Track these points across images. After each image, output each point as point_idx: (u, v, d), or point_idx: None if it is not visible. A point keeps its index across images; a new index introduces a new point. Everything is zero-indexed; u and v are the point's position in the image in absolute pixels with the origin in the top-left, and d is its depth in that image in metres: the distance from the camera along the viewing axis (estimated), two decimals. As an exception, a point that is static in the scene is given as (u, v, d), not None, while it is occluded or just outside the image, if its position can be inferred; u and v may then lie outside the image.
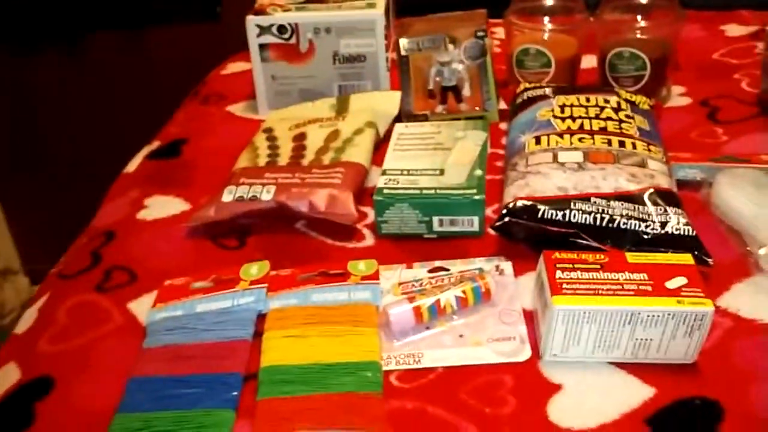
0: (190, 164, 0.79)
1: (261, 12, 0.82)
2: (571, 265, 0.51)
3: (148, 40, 1.58)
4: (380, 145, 0.75)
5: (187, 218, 0.69)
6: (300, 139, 0.74)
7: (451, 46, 0.79)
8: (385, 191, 0.64)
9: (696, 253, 0.55)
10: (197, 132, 0.85)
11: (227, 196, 0.67)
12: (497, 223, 0.61)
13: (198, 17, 1.56)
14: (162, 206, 0.73)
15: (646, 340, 0.50)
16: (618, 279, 0.50)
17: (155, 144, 0.85)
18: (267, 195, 0.66)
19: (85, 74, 1.63)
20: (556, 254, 0.53)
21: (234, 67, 1.02)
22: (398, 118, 0.79)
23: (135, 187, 0.77)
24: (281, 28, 0.81)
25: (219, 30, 1.56)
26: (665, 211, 0.58)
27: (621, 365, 0.51)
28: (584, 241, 0.58)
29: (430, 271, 0.60)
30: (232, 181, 0.69)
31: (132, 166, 0.82)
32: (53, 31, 1.58)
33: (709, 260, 0.56)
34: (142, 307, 0.60)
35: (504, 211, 0.60)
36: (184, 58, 1.57)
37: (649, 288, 0.49)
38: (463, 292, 0.55)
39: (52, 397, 0.52)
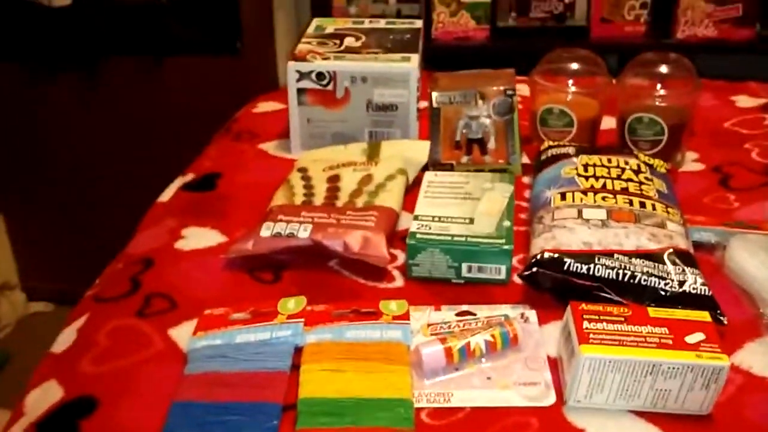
0: (225, 198, 0.83)
1: (300, 58, 0.86)
2: (597, 317, 0.55)
3: (167, 69, 1.63)
4: (409, 191, 0.79)
5: (224, 250, 0.72)
6: (334, 180, 0.78)
7: (480, 102, 0.83)
8: (419, 236, 0.67)
9: (712, 311, 0.58)
10: (231, 167, 0.89)
11: (265, 232, 0.70)
12: (525, 273, 0.64)
13: (217, 50, 1.61)
14: (199, 237, 0.76)
15: (666, 390, 0.53)
16: (641, 332, 0.53)
17: (189, 176, 0.88)
18: (304, 233, 0.69)
19: (101, 98, 1.67)
20: (583, 306, 0.56)
21: (265, 106, 1.06)
22: (425, 167, 0.83)
23: (170, 216, 0.80)
24: (320, 75, 0.85)
25: (237, 64, 1.61)
26: (683, 270, 0.62)
27: (640, 414, 0.54)
28: (606, 295, 0.61)
29: (457, 315, 0.63)
30: (270, 217, 0.72)
31: (166, 195, 0.85)
32: (72, 53, 1.61)
33: (724, 319, 0.59)
34: (182, 333, 0.62)
35: (532, 261, 0.64)
36: (202, 90, 1.62)
37: (670, 342, 0.53)
38: (492, 336, 0.58)
39: (96, 416, 0.55)
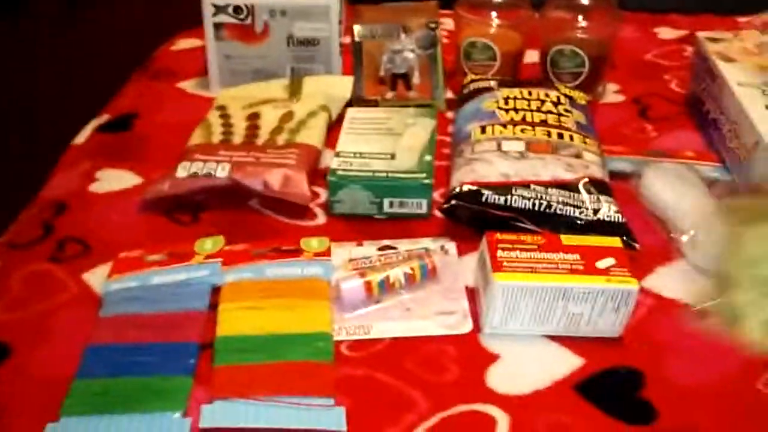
0: (141, 139, 0.80)
1: (217, -9, 0.83)
2: (511, 245, 0.55)
3: (90, 9, 1.56)
4: (332, 127, 0.78)
5: (140, 192, 0.70)
6: (254, 118, 0.76)
7: (403, 35, 0.82)
8: (339, 172, 0.66)
9: (624, 238, 0.60)
10: (148, 107, 0.86)
11: (182, 172, 0.68)
12: (444, 206, 0.64)
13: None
14: (114, 179, 0.73)
15: (578, 314, 0.54)
16: (554, 259, 0.54)
17: (105, 117, 0.85)
18: (222, 172, 0.67)
19: (24, 39, 1.59)
20: (498, 235, 0.57)
21: (184, 43, 1.02)
22: (349, 103, 0.81)
23: (85, 159, 0.77)
24: (237, 9, 0.82)
25: (164, 1, 1.55)
26: (598, 199, 0.63)
27: (554, 338, 0.55)
28: (523, 225, 0.62)
29: (379, 249, 0.63)
30: (186, 156, 0.70)
31: (81, 137, 0.82)
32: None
33: (636, 245, 0.61)
34: (96, 277, 0.61)
35: (451, 195, 0.64)
36: (127, 28, 1.55)
37: (581, 267, 0.54)
38: (411, 269, 0.59)
39: (9, 364, 0.53)
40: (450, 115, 0.82)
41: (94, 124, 0.84)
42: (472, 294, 0.59)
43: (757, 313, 0.55)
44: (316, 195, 0.70)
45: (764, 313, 0.55)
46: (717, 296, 0.56)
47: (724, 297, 0.56)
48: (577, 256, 0.55)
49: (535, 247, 0.56)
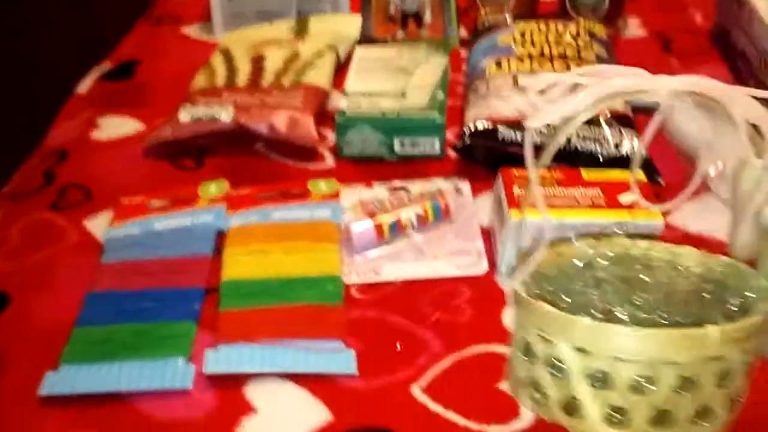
0: (144, 85, 0.78)
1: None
2: (526, 182, 0.52)
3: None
4: (340, 68, 0.74)
5: (142, 138, 0.68)
6: (258, 60, 0.73)
7: (412, -30, 0.78)
8: (347, 113, 0.64)
9: (648, 172, 0.57)
10: (151, 53, 0.83)
11: (185, 116, 0.66)
12: (458, 145, 0.61)
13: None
14: (116, 126, 0.71)
15: (599, 253, 0.51)
16: (573, 194, 0.51)
17: (107, 65, 0.83)
18: (226, 116, 0.65)
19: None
20: (515, 172, 0.54)
21: (188, -11, 0.99)
22: (358, 43, 0.78)
23: (87, 107, 0.75)
24: (238, -53, 0.78)
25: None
26: (620, 133, 0.60)
27: (574, 278, 0.53)
28: (541, 162, 0.59)
29: (390, 191, 0.61)
30: (189, 101, 0.67)
31: (83, 87, 0.80)
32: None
33: (661, 180, 0.58)
34: (98, 225, 0.59)
35: (465, 133, 0.61)
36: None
37: (603, 202, 0.51)
38: (423, 209, 0.56)
39: (8, 312, 0.52)
40: (464, 53, 0.79)
41: (96, 72, 0.82)
42: (487, 234, 0.56)
43: None
44: (324, 137, 0.67)
45: None
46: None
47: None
48: (598, 191, 0.52)
49: (554, 182, 0.53)
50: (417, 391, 0.45)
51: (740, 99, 0.28)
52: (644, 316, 0.29)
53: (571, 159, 0.59)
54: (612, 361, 0.27)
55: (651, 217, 0.50)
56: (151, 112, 0.73)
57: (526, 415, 0.43)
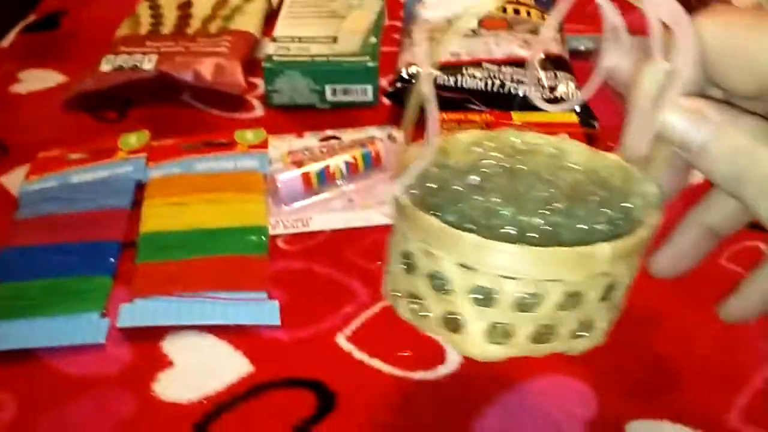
0: (69, 37, 0.74)
1: None
2: (457, 125, 0.51)
3: None
4: (273, 15, 0.72)
5: (64, 91, 0.65)
6: (185, 7, 0.70)
7: None
8: (275, 58, 0.61)
9: (581, 114, 0.56)
10: (77, 3, 0.79)
11: (106, 66, 0.63)
12: (390, 90, 0.59)
13: None
14: (38, 80, 0.68)
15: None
16: (502, 137, 0.50)
17: (31, 18, 0.79)
18: (149, 64, 0.62)
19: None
20: (444, 115, 0.52)
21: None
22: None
23: (8, 61, 0.72)
24: None
25: None
26: (555, 76, 0.58)
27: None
28: (474, 107, 0.58)
29: (321, 140, 0.59)
30: (111, 50, 0.64)
31: (5, 41, 0.76)
32: None
33: (595, 122, 0.57)
34: (14, 180, 0.56)
35: (397, 78, 0.59)
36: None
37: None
38: (353, 157, 0.55)
39: None
40: (402, -1, 0.76)
41: (21, 26, 0.78)
42: (419, 181, 0.55)
43: None
44: (254, 86, 0.65)
45: None
46: None
47: None
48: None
49: (483, 125, 0.51)
50: (342, 340, 0.44)
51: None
52: (526, 219, 0.28)
53: (506, 102, 0.57)
54: (497, 279, 0.25)
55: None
56: (75, 64, 0.69)
57: (452, 361, 0.42)
